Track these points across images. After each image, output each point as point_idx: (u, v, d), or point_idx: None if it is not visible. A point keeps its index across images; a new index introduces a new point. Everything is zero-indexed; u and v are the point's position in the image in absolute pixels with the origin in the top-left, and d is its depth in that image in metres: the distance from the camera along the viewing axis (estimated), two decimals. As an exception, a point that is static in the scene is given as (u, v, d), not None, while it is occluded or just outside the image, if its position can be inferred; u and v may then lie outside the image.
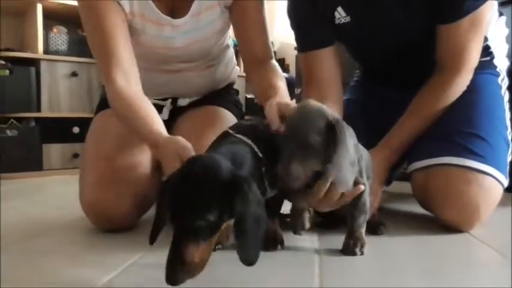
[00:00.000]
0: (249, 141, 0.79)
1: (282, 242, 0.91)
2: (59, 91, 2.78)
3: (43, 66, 2.69)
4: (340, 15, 1.13)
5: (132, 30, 1.09)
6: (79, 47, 2.85)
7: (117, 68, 1.01)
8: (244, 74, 2.82)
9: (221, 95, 1.35)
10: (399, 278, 0.74)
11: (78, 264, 0.83)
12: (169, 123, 1.22)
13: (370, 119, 1.27)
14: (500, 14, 1.24)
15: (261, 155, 0.79)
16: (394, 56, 1.19)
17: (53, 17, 2.83)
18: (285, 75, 3.30)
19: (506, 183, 1.04)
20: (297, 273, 0.77)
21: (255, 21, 1.14)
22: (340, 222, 1.07)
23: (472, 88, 1.10)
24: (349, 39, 1.23)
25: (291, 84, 2.90)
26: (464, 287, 0.70)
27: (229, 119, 1.24)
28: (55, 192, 1.95)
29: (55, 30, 2.82)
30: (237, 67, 1.47)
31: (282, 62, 3.50)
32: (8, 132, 2.54)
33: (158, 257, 0.84)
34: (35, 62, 2.69)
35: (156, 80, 1.23)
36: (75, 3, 1.12)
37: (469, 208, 0.99)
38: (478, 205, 0.99)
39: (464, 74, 1.09)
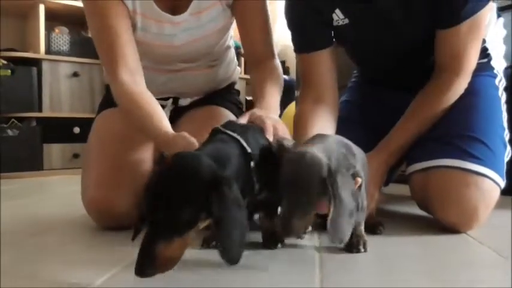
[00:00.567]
0: (238, 136, 0.79)
1: (282, 241, 0.92)
2: (60, 91, 2.79)
3: (45, 66, 2.71)
4: (338, 17, 1.13)
5: (134, 29, 1.11)
6: (81, 47, 2.87)
7: (123, 66, 1.02)
8: (244, 76, 2.84)
9: (222, 95, 1.36)
10: (399, 277, 0.74)
11: (80, 262, 0.84)
12: (170, 123, 1.23)
13: (368, 121, 1.28)
14: (499, 16, 1.25)
15: (249, 149, 0.79)
16: (392, 58, 1.20)
17: (55, 17, 2.84)
18: (285, 77, 3.32)
19: (503, 185, 1.05)
20: (297, 272, 0.77)
21: (257, 20, 1.15)
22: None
23: (471, 90, 1.11)
24: (347, 41, 1.24)
25: (291, 87, 2.93)
26: (465, 287, 0.70)
27: (230, 119, 1.25)
28: (56, 192, 1.96)
29: (57, 30, 2.84)
30: (238, 68, 1.48)
31: (282, 64, 3.50)
32: (9, 132, 2.56)
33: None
34: (36, 62, 2.71)
35: (158, 80, 1.24)
36: (77, 4, 1.14)
37: (468, 210, 1.00)
38: (477, 207, 1.00)
39: (463, 78, 1.10)
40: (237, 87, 1.50)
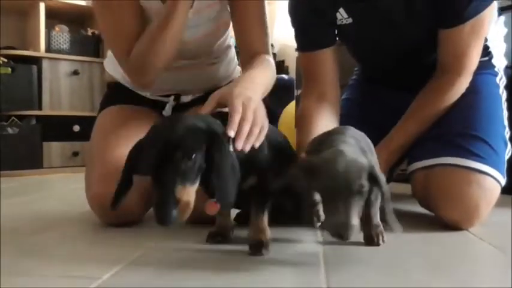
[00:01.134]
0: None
1: (266, 246, 0.85)
2: (60, 89, 2.79)
3: (45, 64, 2.71)
4: (342, 16, 1.14)
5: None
6: (81, 45, 2.87)
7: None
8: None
9: None
10: (403, 271, 0.75)
11: (82, 259, 0.84)
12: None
13: (368, 119, 1.29)
14: (499, 14, 1.26)
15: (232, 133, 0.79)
16: (394, 57, 1.21)
17: (55, 15, 2.85)
18: (285, 76, 3.33)
19: (504, 182, 1.06)
20: (302, 267, 0.78)
21: (254, 19, 1.16)
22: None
23: (472, 89, 1.12)
24: (350, 40, 1.24)
25: (290, 86, 2.93)
26: (467, 282, 0.71)
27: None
28: (57, 190, 1.96)
29: (57, 29, 2.84)
30: (238, 67, 1.48)
31: (281, 63, 3.52)
32: (9, 130, 2.55)
33: (162, 253, 0.86)
34: (37, 61, 2.71)
35: (160, 77, 1.25)
36: (78, 2, 1.17)
37: (470, 207, 1.01)
38: (478, 204, 1.01)
39: (464, 77, 1.11)
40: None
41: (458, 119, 1.10)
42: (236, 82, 0.96)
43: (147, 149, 0.73)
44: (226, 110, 0.84)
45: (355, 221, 0.73)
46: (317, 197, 0.88)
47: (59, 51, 2.79)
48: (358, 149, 0.80)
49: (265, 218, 0.88)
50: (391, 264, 0.80)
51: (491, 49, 1.22)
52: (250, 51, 1.17)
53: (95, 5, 1.14)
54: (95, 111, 1.35)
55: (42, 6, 2.68)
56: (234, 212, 1.02)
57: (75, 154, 2.80)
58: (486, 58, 1.20)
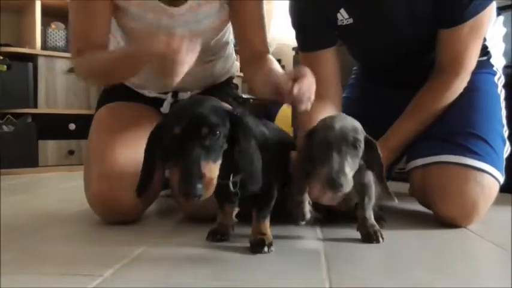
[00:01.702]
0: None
1: (270, 244, 0.85)
2: (56, 87, 2.78)
3: (40, 62, 2.69)
4: (343, 16, 1.14)
5: (129, 15, 1.11)
6: (77, 43, 2.85)
7: (89, 51, 1.07)
8: (241, 74, 2.84)
9: (221, 88, 1.37)
10: (402, 268, 0.76)
11: (83, 257, 0.84)
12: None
13: (368, 118, 1.28)
14: (498, 14, 1.27)
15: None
16: (395, 57, 1.21)
17: (51, 13, 2.83)
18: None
19: (502, 180, 1.07)
20: (303, 263, 0.78)
21: (253, 17, 1.16)
22: (339, 218, 1.09)
23: (471, 88, 1.13)
24: (350, 41, 1.24)
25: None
26: (470, 283, 0.72)
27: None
28: (54, 188, 1.95)
29: (53, 26, 2.82)
30: (237, 62, 1.48)
31: (278, 63, 3.51)
32: (5, 128, 2.53)
33: (162, 251, 0.86)
34: (32, 58, 2.69)
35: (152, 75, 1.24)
36: None
37: (468, 204, 1.02)
38: (477, 202, 1.01)
39: (463, 77, 1.11)
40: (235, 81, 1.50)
41: (456, 117, 1.10)
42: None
43: (172, 126, 0.72)
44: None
45: (349, 172, 0.78)
46: (305, 197, 0.90)
47: (55, 49, 2.77)
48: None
49: (267, 222, 0.88)
50: (391, 261, 0.81)
51: (489, 49, 1.23)
52: (251, 49, 1.18)
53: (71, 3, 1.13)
54: (91, 110, 1.34)
55: (38, 4, 2.66)
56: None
57: (71, 152, 2.79)
58: (485, 58, 1.21)
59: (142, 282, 0.69)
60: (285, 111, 2.91)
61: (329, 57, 1.20)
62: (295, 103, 0.88)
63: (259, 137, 0.84)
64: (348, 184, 0.78)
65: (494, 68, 1.23)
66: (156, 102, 1.29)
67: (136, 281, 0.69)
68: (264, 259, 0.81)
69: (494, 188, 1.05)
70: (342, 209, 1.02)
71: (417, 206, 1.24)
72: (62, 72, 2.79)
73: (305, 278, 0.71)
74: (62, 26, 2.86)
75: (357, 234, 0.94)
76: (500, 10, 1.30)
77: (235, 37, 1.21)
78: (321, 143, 0.82)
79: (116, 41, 1.24)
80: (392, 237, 0.95)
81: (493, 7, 1.09)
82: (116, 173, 1.04)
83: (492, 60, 1.23)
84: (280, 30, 3.46)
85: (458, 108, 1.12)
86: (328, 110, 1.15)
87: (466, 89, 1.13)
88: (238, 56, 1.35)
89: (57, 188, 1.95)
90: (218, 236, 0.92)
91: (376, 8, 1.09)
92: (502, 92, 1.20)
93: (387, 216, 1.11)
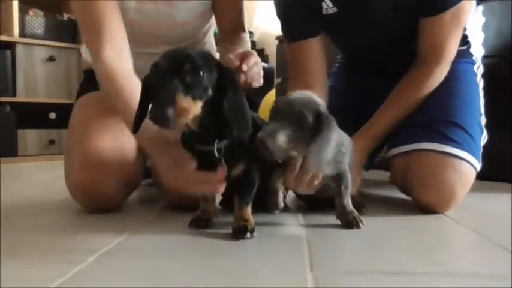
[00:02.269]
0: None
1: (252, 230, 0.85)
2: (36, 76, 2.72)
3: (19, 49, 2.64)
4: (327, 5, 1.14)
5: (127, 8, 1.10)
6: (56, 31, 2.80)
7: (107, 42, 1.00)
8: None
9: None
10: (383, 252, 0.77)
11: (63, 244, 0.83)
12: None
13: (350, 107, 1.30)
14: (478, 4, 1.29)
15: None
16: (378, 47, 1.22)
17: (29, 0, 2.76)
18: (264, 65, 3.31)
19: (479, 167, 1.10)
20: (285, 249, 0.79)
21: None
22: (322, 206, 1.10)
23: (451, 77, 1.14)
24: (334, 30, 1.25)
25: (270, 75, 2.93)
26: (447, 265, 0.73)
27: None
28: (34, 178, 1.92)
29: (31, 13, 2.76)
30: (217, 53, 1.48)
31: (261, 52, 3.51)
32: (-18, 117, 2.48)
33: (143, 239, 0.86)
34: (11, 46, 2.63)
35: (142, 66, 1.23)
36: None
37: (447, 191, 1.04)
38: (455, 188, 1.04)
39: (443, 67, 1.13)
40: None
41: (437, 105, 1.12)
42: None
43: (157, 65, 0.75)
44: None
45: (283, 139, 0.79)
46: (279, 186, 0.92)
47: (34, 36, 2.71)
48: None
49: (249, 208, 0.88)
50: (371, 245, 0.82)
51: (469, 38, 1.25)
52: (227, 29, 1.20)
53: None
54: (72, 99, 1.32)
55: (15, -10, 2.60)
56: (218, 197, 1.02)
57: (52, 142, 2.74)
58: (465, 47, 1.23)
59: (124, 268, 0.69)
60: (268, 101, 2.91)
61: (315, 47, 1.21)
62: (248, 80, 0.91)
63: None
64: (275, 148, 0.78)
65: (474, 58, 1.25)
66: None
67: (118, 267, 0.69)
68: (247, 244, 0.81)
69: (472, 175, 1.08)
70: (322, 197, 1.03)
71: (398, 194, 1.26)
72: (41, 61, 2.73)
73: (287, 262, 0.71)
74: (40, 13, 2.79)
75: (338, 221, 0.96)
76: (480, 0, 1.32)
77: (214, 14, 1.23)
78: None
79: None
80: (373, 223, 0.96)
81: None
82: (97, 160, 1.02)
83: (472, 50, 1.25)
84: (264, 19, 3.45)
85: (438, 97, 1.13)
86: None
87: (446, 77, 1.14)
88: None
89: (37, 177, 1.93)
90: (201, 223, 0.92)
91: None
92: (480, 81, 1.23)
93: (368, 203, 1.13)
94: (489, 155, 1.15)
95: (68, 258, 0.73)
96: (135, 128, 0.84)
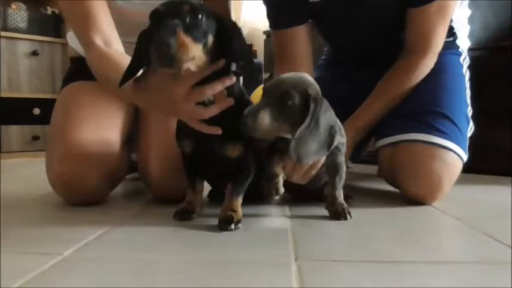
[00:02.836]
0: None
1: (238, 222, 0.85)
2: (19, 70, 2.67)
3: (1, 44, 2.59)
4: None
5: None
6: (40, 25, 2.75)
7: (96, 32, 1.00)
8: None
9: None
10: (370, 242, 0.76)
11: (42, 236, 0.80)
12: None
13: (337, 98, 1.28)
14: (464, -4, 1.29)
15: None
16: (366, 37, 1.21)
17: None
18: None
19: (466, 158, 1.10)
20: (271, 240, 0.78)
21: None
22: (308, 198, 1.09)
23: (438, 68, 1.14)
24: (320, 19, 1.24)
25: (259, 70, 2.92)
26: (434, 255, 0.73)
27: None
28: (16, 174, 1.88)
29: (14, 6, 2.71)
30: None
31: (250, 47, 3.49)
32: (-36, 112, 2.43)
33: (123, 232, 0.84)
34: (-8, 39, 2.57)
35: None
36: None
37: (433, 181, 1.03)
38: (441, 178, 1.03)
39: (430, 57, 1.13)
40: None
41: (423, 96, 1.12)
42: None
43: (156, 11, 0.76)
44: None
45: (265, 119, 0.76)
46: (278, 169, 0.89)
47: (17, 30, 2.66)
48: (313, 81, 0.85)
49: (240, 199, 0.88)
50: (356, 235, 0.82)
51: (456, 30, 1.24)
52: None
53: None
54: (56, 94, 1.28)
55: (-3, -18, 2.55)
56: (206, 189, 1.00)
57: (36, 138, 2.70)
58: (451, 39, 1.23)
59: (102, 260, 0.67)
60: (257, 95, 2.89)
61: (301, 35, 1.19)
62: None
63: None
64: (256, 127, 0.77)
65: (460, 49, 1.25)
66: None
67: (97, 259, 0.67)
68: (231, 236, 0.80)
69: (458, 166, 1.08)
70: (311, 188, 1.02)
71: (385, 186, 1.25)
72: (24, 55, 2.68)
73: (271, 253, 0.70)
74: (23, 6, 2.74)
75: (325, 212, 0.95)
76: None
77: None
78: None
79: None
80: (360, 215, 0.95)
81: None
82: (79, 152, 1.00)
83: (458, 42, 1.25)
84: (251, 14, 3.42)
85: (425, 88, 1.13)
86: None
87: (433, 69, 1.14)
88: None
89: (20, 173, 1.89)
90: (185, 215, 0.91)
91: None
92: (467, 73, 1.23)
93: (355, 195, 1.12)
94: (474, 147, 1.15)
95: (44, 250, 0.71)
96: (123, 81, 0.83)
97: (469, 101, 1.18)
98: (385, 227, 0.88)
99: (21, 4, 2.74)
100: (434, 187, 1.04)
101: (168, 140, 0.99)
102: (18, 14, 2.68)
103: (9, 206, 1.09)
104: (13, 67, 2.64)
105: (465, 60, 1.25)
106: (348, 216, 0.92)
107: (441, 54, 1.15)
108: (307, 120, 0.78)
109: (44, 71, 2.76)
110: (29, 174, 1.85)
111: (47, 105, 2.57)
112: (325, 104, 0.81)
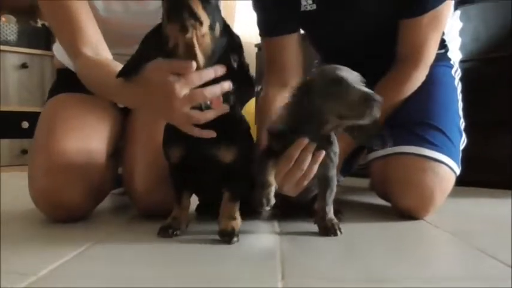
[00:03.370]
0: None
1: (238, 233, 0.84)
2: (8, 83, 2.64)
3: (-10, 56, 2.56)
4: (307, 2, 1.12)
5: (95, 8, 1.07)
6: (30, 37, 2.73)
7: (87, 44, 0.99)
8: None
9: None
10: (359, 259, 0.74)
11: (21, 253, 0.77)
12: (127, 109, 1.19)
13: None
14: (455, 8, 1.28)
15: None
16: (357, 46, 1.20)
17: (1, 5, 2.69)
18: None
19: (458, 171, 1.08)
20: (257, 259, 0.75)
21: None
22: (296, 214, 1.06)
23: (430, 80, 1.13)
24: (313, 27, 1.23)
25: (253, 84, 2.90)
26: (426, 271, 0.70)
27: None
28: (4, 188, 1.84)
29: (3, 19, 2.69)
30: None
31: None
32: (-49, 126, 2.38)
33: (105, 249, 0.81)
34: (-19, 52, 2.55)
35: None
36: None
37: (425, 194, 1.01)
38: (433, 191, 1.01)
39: (422, 69, 1.11)
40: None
41: (415, 108, 1.10)
42: None
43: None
44: None
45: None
46: (271, 179, 0.85)
47: (6, 43, 2.63)
48: None
49: (237, 206, 0.86)
50: (347, 254, 0.79)
51: (447, 42, 1.24)
52: None
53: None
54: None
55: (-13, -5, 2.53)
56: (194, 203, 0.98)
57: (24, 152, 2.65)
58: (442, 51, 1.22)
59: (79, 279, 0.63)
60: (249, 109, 2.88)
61: (291, 43, 1.18)
62: None
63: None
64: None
65: (452, 61, 1.24)
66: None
67: (73, 278, 0.64)
68: (217, 252, 0.77)
69: (451, 179, 1.06)
70: (301, 201, 1.00)
71: (377, 200, 1.23)
72: (14, 68, 2.65)
73: (258, 270, 0.68)
74: (13, 19, 2.72)
75: (315, 228, 0.92)
76: (457, 5, 1.32)
77: None
78: (332, 81, 0.85)
79: None
80: (350, 230, 0.93)
81: (452, 2, 1.10)
82: (61, 165, 0.96)
83: (449, 54, 1.24)
84: (243, 27, 3.43)
85: (417, 100, 1.11)
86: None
87: (424, 81, 1.13)
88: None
89: (7, 187, 1.84)
90: (170, 231, 0.87)
91: None
92: (458, 85, 1.22)
93: (346, 209, 1.10)
94: (466, 159, 1.13)
95: (21, 269, 0.67)
96: (122, 72, 0.83)
97: (461, 113, 1.16)
98: (376, 242, 0.86)
99: (11, 17, 2.72)
100: (426, 200, 1.02)
101: (155, 150, 0.97)
102: (8, 27, 2.66)
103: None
104: (2, 80, 2.61)
105: (457, 73, 1.24)
106: (338, 232, 0.89)
107: (433, 66, 1.13)
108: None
109: (33, 84, 2.73)
110: (16, 188, 1.80)
111: (36, 119, 2.52)
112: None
